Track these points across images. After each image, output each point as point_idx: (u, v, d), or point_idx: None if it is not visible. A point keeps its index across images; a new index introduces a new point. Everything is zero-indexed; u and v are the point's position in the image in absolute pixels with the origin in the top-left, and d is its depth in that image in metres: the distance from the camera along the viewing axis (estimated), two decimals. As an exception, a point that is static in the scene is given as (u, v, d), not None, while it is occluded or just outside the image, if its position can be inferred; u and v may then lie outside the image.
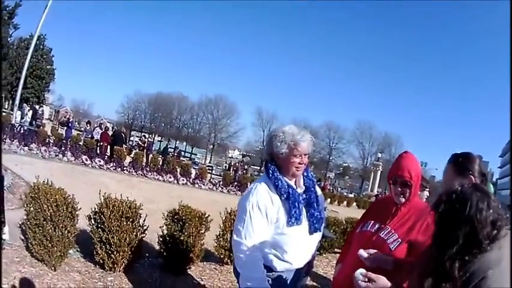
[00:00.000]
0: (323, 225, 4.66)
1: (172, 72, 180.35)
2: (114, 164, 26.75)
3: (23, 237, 8.07)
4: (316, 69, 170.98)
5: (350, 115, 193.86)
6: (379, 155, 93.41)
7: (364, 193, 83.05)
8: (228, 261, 9.44)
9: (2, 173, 7.48)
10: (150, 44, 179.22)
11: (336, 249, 11.96)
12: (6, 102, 65.18)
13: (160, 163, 32.85)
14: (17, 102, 31.35)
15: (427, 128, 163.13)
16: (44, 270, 7.06)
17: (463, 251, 2.51)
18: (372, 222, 4.30)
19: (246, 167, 64.50)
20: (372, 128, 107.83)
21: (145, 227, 8.07)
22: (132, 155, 32.39)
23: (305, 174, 4.57)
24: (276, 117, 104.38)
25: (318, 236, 4.58)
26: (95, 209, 7.77)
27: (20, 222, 8.39)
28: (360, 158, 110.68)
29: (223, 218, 9.61)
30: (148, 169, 28.99)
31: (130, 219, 7.69)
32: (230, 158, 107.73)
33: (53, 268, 7.12)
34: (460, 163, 4.23)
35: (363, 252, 3.80)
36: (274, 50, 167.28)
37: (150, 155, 35.38)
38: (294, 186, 4.40)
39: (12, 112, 36.42)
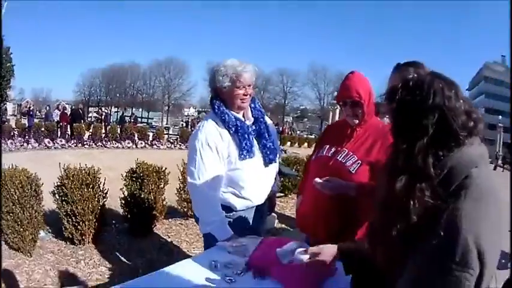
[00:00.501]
0: (278, 157, 4.62)
1: (121, 43, 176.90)
2: (75, 140, 26.75)
3: None
4: (264, 16, 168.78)
5: (302, 59, 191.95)
6: (335, 93, 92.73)
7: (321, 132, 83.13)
8: (192, 214, 9.54)
9: None
10: (97, 19, 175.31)
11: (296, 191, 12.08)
12: None
13: (119, 131, 32.77)
14: None
15: (382, 63, 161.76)
16: (21, 258, 7.04)
17: (435, 143, 1.99)
18: (328, 146, 4.08)
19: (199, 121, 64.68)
20: (325, 69, 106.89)
21: (105, 191, 8.09)
22: (91, 130, 32.33)
23: (252, 105, 4.48)
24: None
25: (273, 167, 4.50)
26: (57, 183, 7.73)
27: None
28: (316, 99, 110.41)
29: (182, 170, 9.67)
30: (107, 139, 29.15)
31: (91, 186, 7.71)
32: (186, 116, 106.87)
33: (28, 254, 7.12)
34: (406, 71, 3.80)
35: (318, 181, 3.64)
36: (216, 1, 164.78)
37: (108, 126, 35.60)
38: (242, 119, 4.31)
39: None
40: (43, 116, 51.71)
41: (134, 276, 3.19)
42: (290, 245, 2.95)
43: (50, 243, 7.84)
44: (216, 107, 4.24)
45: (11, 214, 6.96)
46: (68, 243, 7.84)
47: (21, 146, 24.28)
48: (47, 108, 41.35)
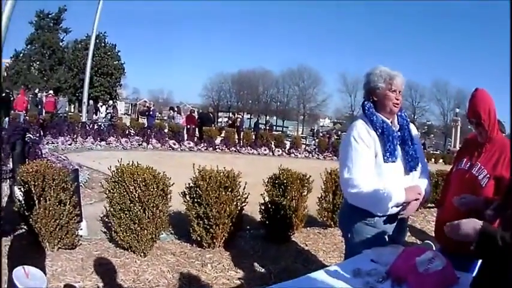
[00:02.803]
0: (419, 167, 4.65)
1: (250, 49, 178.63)
2: (205, 144, 27.18)
3: (105, 230, 8.26)
4: (393, 29, 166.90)
5: (426, 73, 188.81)
6: (457, 110, 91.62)
7: (447, 149, 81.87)
8: (332, 223, 9.53)
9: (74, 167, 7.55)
10: (222, 23, 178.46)
11: (429, 204, 11.86)
12: (72, 105, 66.31)
13: (253, 138, 33.03)
14: (84, 100, 31.87)
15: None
16: (130, 258, 7.11)
17: None
18: (465, 159, 4.53)
19: (338, 133, 64.58)
20: (446, 84, 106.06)
21: (245, 195, 8.03)
22: (222, 134, 32.68)
23: (399, 113, 4.62)
24: (360, 81, 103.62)
25: (414, 175, 4.57)
26: (189, 184, 7.76)
27: (101, 215, 8.57)
28: (440, 115, 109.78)
29: (324, 179, 9.70)
30: (241, 145, 29.59)
31: (229, 189, 7.66)
32: (321, 126, 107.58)
33: (142, 254, 7.15)
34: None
35: (455, 198, 4.06)
36: (350, 13, 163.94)
37: (242, 132, 35.60)
38: (389, 123, 4.49)
39: (80, 112, 37.09)
40: (164, 118, 52.90)
41: (265, 282, 3.11)
42: (427, 254, 3.26)
43: (171, 245, 7.90)
44: (366, 108, 4.53)
45: (126, 212, 7.01)
46: (194, 245, 7.87)
47: (139, 145, 25.09)
48: (172, 110, 42.01)
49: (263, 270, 7.16)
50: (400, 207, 4.38)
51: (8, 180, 10.95)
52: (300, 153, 31.34)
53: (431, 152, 68.78)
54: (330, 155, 31.25)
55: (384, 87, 4.41)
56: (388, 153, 4.33)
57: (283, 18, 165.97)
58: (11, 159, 11.95)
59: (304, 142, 44.50)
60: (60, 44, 73.34)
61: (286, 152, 30.83)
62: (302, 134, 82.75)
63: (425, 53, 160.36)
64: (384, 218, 4.39)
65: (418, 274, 3.11)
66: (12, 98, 31.70)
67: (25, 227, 7.43)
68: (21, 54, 69.75)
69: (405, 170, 4.46)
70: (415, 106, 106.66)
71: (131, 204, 6.96)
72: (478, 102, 4.22)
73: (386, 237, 4.39)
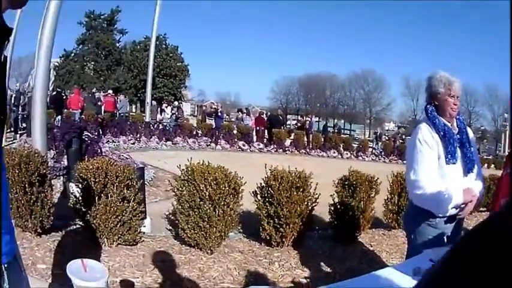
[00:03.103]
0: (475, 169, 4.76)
1: (315, 52, 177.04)
2: (275, 146, 27.30)
3: (170, 227, 8.45)
4: (453, 32, 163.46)
5: (480, 78, 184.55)
6: (505, 115, 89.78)
7: (496, 154, 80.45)
8: (396, 225, 9.66)
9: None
10: (287, 26, 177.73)
11: (481, 208, 11.83)
12: (133, 105, 66.70)
13: (322, 141, 32.95)
14: (148, 101, 31.97)
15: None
16: (196, 255, 7.21)
17: None
18: None
19: (403, 137, 64.20)
20: (496, 89, 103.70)
21: (316, 196, 8.06)
22: (291, 137, 32.67)
23: (457, 117, 4.79)
24: (422, 85, 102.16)
25: (471, 177, 4.69)
26: (261, 184, 7.87)
27: (167, 213, 8.77)
28: (492, 120, 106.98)
29: (391, 181, 9.84)
30: (310, 147, 29.65)
31: (301, 189, 7.71)
32: (387, 130, 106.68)
33: (208, 252, 7.20)
34: None
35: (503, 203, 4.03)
36: (410, 17, 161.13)
37: (311, 135, 35.55)
38: (450, 126, 4.63)
39: (143, 112, 37.40)
40: (232, 119, 53.01)
41: (330, 282, 3.21)
42: None
43: (239, 243, 8.01)
44: (429, 112, 4.73)
45: (195, 210, 7.07)
46: (262, 244, 7.96)
47: (207, 145, 25.17)
48: (240, 112, 42.03)
49: (329, 269, 7.21)
50: (458, 208, 4.50)
51: (62, 177, 11.18)
52: (367, 157, 31.57)
53: (485, 157, 67.97)
54: (396, 159, 31.40)
55: (443, 92, 4.60)
56: (449, 155, 4.50)
57: (344, 22, 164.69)
58: (65, 157, 12.17)
59: (371, 145, 44.42)
60: (117, 45, 74.23)
61: (354, 154, 30.99)
62: (369, 137, 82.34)
63: (481, 56, 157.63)
64: (445, 219, 4.53)
65: None
66: (64, 97, 32.22)
67: (80, 223, 7.57)
68: (72, 54, 70.81)
69: (464, 171, 4.61)
70: (470, 111, 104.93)
71: (201, 202, 7.03)
72: None
73: (445, 237, 4.52)
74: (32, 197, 6.89)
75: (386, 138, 61.26)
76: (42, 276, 5.93)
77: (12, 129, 22.80)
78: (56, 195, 8.62)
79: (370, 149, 37.13)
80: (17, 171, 6.72)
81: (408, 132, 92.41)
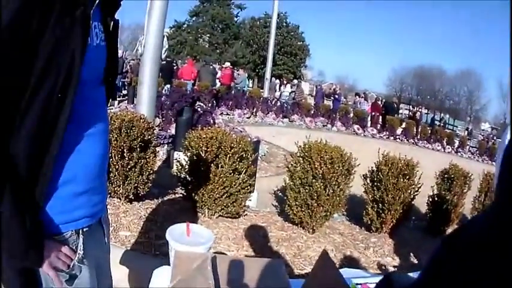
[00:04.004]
0: None
1: (431, 45, 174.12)
2: (387, 132, 27.49)
3: (275, 203, 8.55)
4: None
5: None
6: None
7: None
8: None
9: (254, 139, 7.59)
10: (411, 17, 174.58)
11: None
12: (251, 81, 66.00)
13: (429, 133, 32.68)
14: (267, 76, 31.71)
15: None
16: (297, 233, 7.06)
17: None
18: None
19: (494, 138, 62.93)
20: None
21: (419, 185, 7.99)
22: (403, 125, 32.50)
23: None
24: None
25: None
26: (372, 168, 7.92)
27: (276, 189, 8.87)
28: None
29: (481, 180, 9.84)
30: (418, 138, 29.76)
31: (407, 177, 7.70)
32: (482, 130, 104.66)
33: (310, 231, 7.12)
34: None
35: None
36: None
37: (420, 126, 35.26)
38: None
39: (261, 88, 37.27)
40: (349, 102, 52.60)
41: (412, 270, 3.30)
42: None
43: (341, 225, 8.00)
44: None
45: (306, 187, 6.97)
46: (362, 228, 7.97)
47: (323, 126, 25.26)
48: (357, 96, 41.77)
49: (416, 260, 7.26)
50: None
51: (167, 146, 11.25)
52: (465, 153, 31.37)
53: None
54: (487, 159, 31.01)
55: None
56: None
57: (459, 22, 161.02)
58: (173, 126, 12.23)
59: (469, 144, 43.78)
60: (235, 19, 74.02)
61: (455, 150, 30.88)
62: (468, 135, 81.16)
63: None
64: None
65: None
66: (176, 67, 31.99)
67: (181, 192, 7.52)
68: (184, 25, 71.16)
69: None
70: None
71: (313, 180, 6.93)
72: None
73: None
74: (130, 162, 6.61)
75: (482, 137, 60.16)
76: (123, 243, 5.78)
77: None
78: (157, 164, 8.47)
79: (468, 146, 36.40)
80: (116, 136, 6.45)
81: (499, 134, 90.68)
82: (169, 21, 68.17)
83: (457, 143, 32.94)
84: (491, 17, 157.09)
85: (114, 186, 6.68)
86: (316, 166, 6.98)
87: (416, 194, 8.09)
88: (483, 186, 9.79)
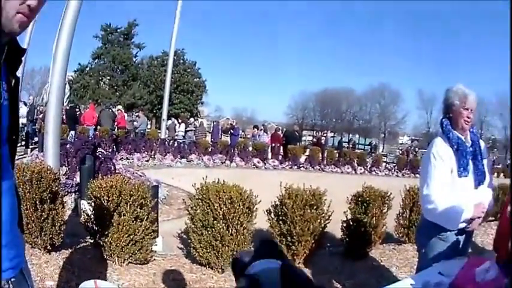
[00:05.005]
0: (486, 181, 4.87)
1: (333, 68, 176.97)
2: (290, 162, 27.20)
3: (181, 246, 8.50)
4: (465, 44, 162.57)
5: (493, 87, 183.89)
6: None
7: (507, 164, 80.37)
8: (406, 239, 9.72)
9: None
10: (305, 42, 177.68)
11: (490, 218, 11.88)
12: (149, 122, 65.68)
13: (337, 156, 33.03)
14: (164, 117, 31.68)
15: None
16: (206, 274, 7.18)
17: None
18: None
19: (416, 150, 64.18)
20: (508, 96, 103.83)
21: (329, 213, 8.08)
22: (307, 153, 32.61)
23: (470, 130, 4.88)
24: (436, 98, 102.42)
25: (481, 190, 4.79)
26: (275, 202, 7.92)
27: (179, 231, 8.82)
28: (502, 129, 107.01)
29: (403, 196, 9.90)
30: (325, 163, 29.65)
31: (314, 207, 7.75)
32: (401, 144, 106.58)
33: (220, 270, 7.24)
34: None
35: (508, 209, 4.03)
36: (423, 32, 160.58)
37: (326, 150, 35.47)
38: (463, 139, 4.75)
39: (158, 129, 37.24)
40: (248, 136, 52.94)
41: None
42: (485, 264, 3.49)
43: None
44: (444, 125, 4.84)
45: (208, 229, 7.09)
46: (273, 262, 7.96)
47: (222, 163, 25.02)
48: (256, 128, 42.03)
49: (339, 285, 7.30)
50: (467, 222, 4.59)
51: (74, 194, 11.11)
52: (380, 171, 31.48)
53: (495, 166, 68.02)
54: (408, 173, 31.52)
55: (458, 104, 4.68)
56: (461, 168, 4.63)
57: (360, 37, 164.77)
58: (78, 173, 12.08)
59: (385, 160, 44.40)
60: (134, 59, 73.34)
61: (368, 170, 30.96)
62: (383, 151, 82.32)
63: (491, 64, 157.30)
64: (455, 232, 4.63)
65: (475, 284, 3.34)
66: (78, 112, 32.35)
67: (90, 240, 7.66)
68: (87, 68, 69.84)
69: (474, 183, 4.73)
70: (482, 121, 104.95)
71: (214, 221, 7.04)
72: None
73: (454, 250, 4.58)
74: (43, 214, 6.83)
75: (400, 152, 61.37)
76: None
77: (23, 143, 22.98)
78: (67, 212, 8.60)
79: (384, 164, 37.10)
80: (28, 188, 6.67)
81: (422, 145, 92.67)
82: (74, 64, 67.18)
83: (369, 163, 33.23)
84: (399, 31, 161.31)
85: (33, 237, 6.88)
86: (216, 207, 7.03)
87: (328, 223, 8.14)
88: (406, 203, 9.89)
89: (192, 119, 44.92)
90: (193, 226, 7.36)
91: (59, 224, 7.11)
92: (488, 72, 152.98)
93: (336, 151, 37.05)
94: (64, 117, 22.75)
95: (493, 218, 10.43)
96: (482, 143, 5.04)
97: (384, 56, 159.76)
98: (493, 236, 5.21)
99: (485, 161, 4.93)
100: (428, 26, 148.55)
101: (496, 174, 44.11)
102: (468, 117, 4.69)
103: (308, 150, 33.71)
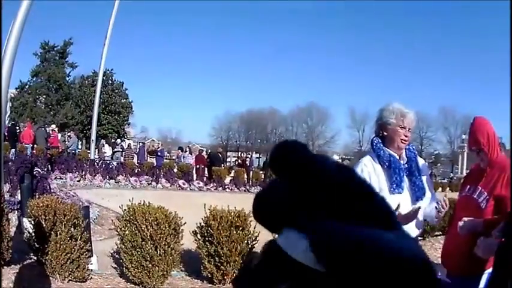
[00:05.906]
0: (426, 197, 4.93)
1: (257, 88, 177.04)
2: (215, 184, 27.12)
3: (115, 265, 8.52)
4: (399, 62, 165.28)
5: (434, 102, 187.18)
6: (463, 136, 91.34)
7: (455, 177, 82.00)
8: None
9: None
10: (226, 63, 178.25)
11: (436, 233, 12.03)
12: (79, 142, 65.09)
13: (262, 177, 32.88)
14: (93, 138, 31.54)
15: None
16: None
17: None
18: (468, 186, 4.83)
19: (347, 168, 65.32)
20: (454, 111, 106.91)
21: (256, 234, 8.13)
22: (232, 174, 32.78)
23: (407, 147, 4.93)
24: (369, 116, 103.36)
25: (422, 204, 4.79)
26: (200, 224, 8.00)
27: (112, 251, 8.81)
28: (447, 143, 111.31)
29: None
30: (250, 184, 29.57)
31: (240, 228, 7.86)
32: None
33: None
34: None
35: (459, 224, 4.34)
36: (354, 48, 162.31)
37: (251, 171, 35.91)
38: (397, 157, 4.81)
39: (88, 150, 37.21)
40: (173, 157, 52.82)
41: None
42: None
43: (182, 281, 8.16)
44: (374, 144, 4.91)
45: (138, 249, 7.21)
46: (204, 282, 8.08)
47: (148, 184, 24.81)
48: (181, 150, 42.12)
49: None
50: None
51: (17, 212, 11.03)
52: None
53: (439, 181, 68.88)
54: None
55: (394, 123, 4.72)
56: (394, 185, 4.67)
57: (289, 56, 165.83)
58: (19, 191, 12.07)
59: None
60: (67, 78, 72.57)
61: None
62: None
63: (432, 81, 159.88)
64: None
65: None
66: (18, 130, 32.33)
67: (34, 257, 7.81)
68: (26, 86, 68.86)
69: (412, 200, 4.77)
70: (422, 137, 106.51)
71: (143, 242, 7.17)
72: (476, 129, 4.55)
73: None
74: None
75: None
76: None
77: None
78: (12, 229, 8.70)
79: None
80: None
81: (352, 163, 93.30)
82: (15, 81, 65.37)
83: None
84: (328, 49, 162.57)
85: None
86: (143, 228, 7.16)
87: (255, 243, 8.21)
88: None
89: (119, 140, 44.76)
90: (123, 247, 7.48)
91: (6, 240, 7.33)
92: (429, 86, 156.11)
93: (261, 172, 36.99)
94: (6, 134, 22.56)
95: (440, 233, 10.53)
96: (420, 160, 5.15)
97: (312, 74, 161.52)
98: (440, 250, 5.35)
99: (424, 178, 5.02)
100: (361, 41, 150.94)
101: (440, 188, 45.02)
102: (406, 136, 4.76)
103: (233, 171, 33.96)
